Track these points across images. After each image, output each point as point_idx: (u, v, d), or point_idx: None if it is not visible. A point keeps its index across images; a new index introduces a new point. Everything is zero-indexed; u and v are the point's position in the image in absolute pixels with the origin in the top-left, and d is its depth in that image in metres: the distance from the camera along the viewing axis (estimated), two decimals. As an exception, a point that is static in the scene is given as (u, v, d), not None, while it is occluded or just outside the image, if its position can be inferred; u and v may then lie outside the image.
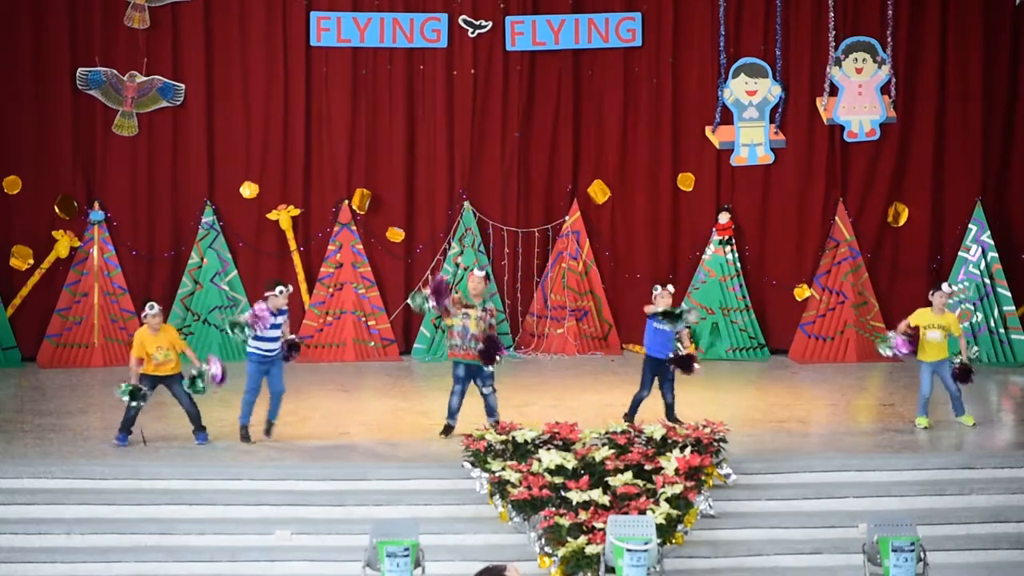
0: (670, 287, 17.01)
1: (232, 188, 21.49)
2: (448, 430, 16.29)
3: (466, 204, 21.71)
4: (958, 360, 16.78)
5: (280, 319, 16.19)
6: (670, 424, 15.73)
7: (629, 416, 16.57)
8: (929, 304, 16.88)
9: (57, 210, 21.13)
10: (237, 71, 21.43)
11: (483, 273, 16.69)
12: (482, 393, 16.33)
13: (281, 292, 16.20)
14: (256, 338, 16.10)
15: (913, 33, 21.66)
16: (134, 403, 15.88)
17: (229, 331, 16.38)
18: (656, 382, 16.63)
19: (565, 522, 13.87)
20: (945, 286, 17.16)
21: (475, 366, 16.20)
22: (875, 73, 21.68)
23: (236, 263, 21.51)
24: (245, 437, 16.29)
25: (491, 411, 16.31)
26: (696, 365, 16.57)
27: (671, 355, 16.50)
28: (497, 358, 16.15)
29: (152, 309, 16.18)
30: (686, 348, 16.65)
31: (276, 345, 16.20)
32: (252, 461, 15.55)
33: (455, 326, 16.20)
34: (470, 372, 16.24)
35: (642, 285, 21.80)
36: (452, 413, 16.38)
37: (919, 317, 16.88)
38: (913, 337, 16.82)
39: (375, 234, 21.73)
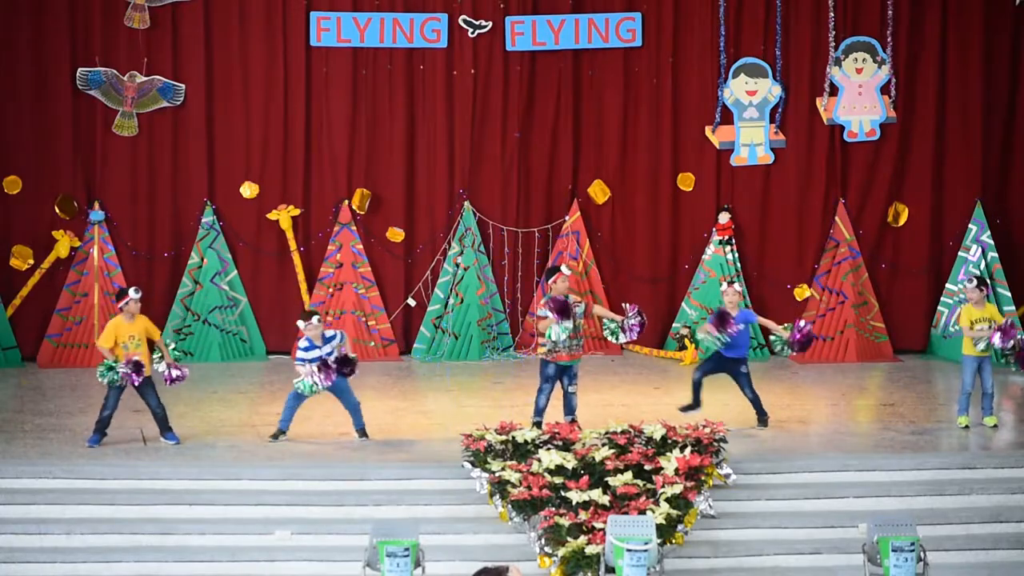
0: (736, 284, 17.18)
1: (232, 188, 21.48)
2: (538, 426, 16.07)
3: (466, 204, 21.71)
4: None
5: (326, 347, 16.09)
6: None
7: (695, 399, 16.87)
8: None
9: (57, 210, 21.12)
10: (237, 71, 21.42)
11: (570, 272, 16.80)
12: (567, 391, 16.36)
13: (310, 326, 16.13)
14: (300, 361, 16.14)
15: (913, 33, 21.67)
16: (115, 378, 15.80)
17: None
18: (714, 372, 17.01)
19: (565, 522, 13.88)
20: (968, 283, 17.28)
21: (565, 366, 16.23)
22: (875, 73, 21.69)
23: (236, 263, 21.51)
24: (275, 436, 16.30)
25: (571, 410, 16.36)
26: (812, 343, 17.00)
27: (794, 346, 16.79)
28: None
29: (137, 293, 16.15)
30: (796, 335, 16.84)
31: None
32: (252, 461, 15.56)
33: (550, 331, 16.16)
34: (560, 371, 16.27)
35: (642, 285, 21.84)
36: (540, 411, 16.30)
37: (965, 315, 16.92)
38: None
39: (375, 234, 21.72)
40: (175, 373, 16.23)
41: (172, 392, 18.71)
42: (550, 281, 16.45)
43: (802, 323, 16.97)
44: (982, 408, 17.08)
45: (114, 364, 15.88)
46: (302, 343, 16.23)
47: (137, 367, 15.84)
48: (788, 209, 21.89)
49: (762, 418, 17.03)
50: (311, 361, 16.02)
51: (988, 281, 17.43)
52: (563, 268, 16.64)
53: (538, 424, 16.14)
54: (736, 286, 17.20)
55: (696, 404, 16.93)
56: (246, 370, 20.66)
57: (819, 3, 21.58)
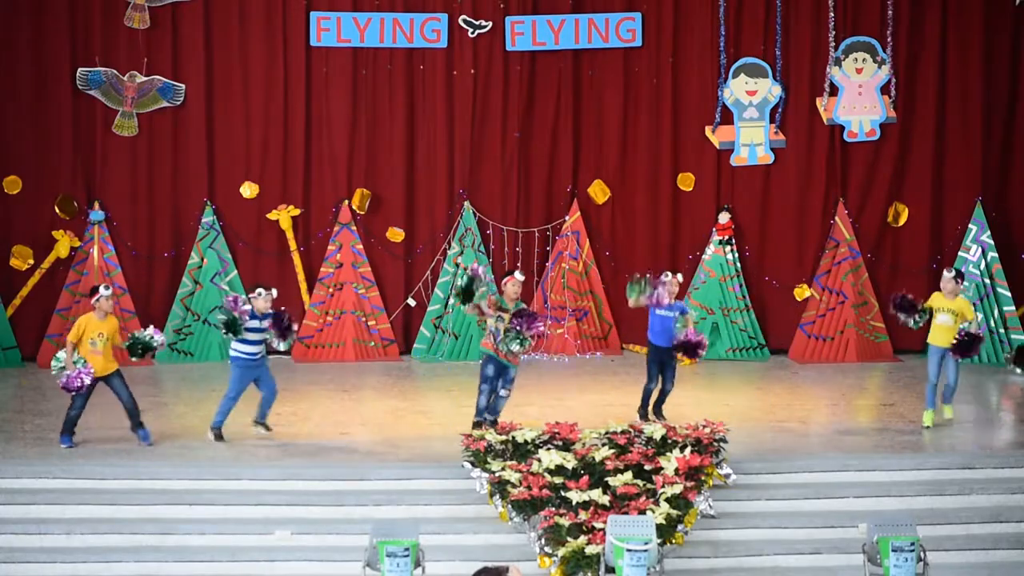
0: (679, 275, 17.11)
1: (232, 188, 21.49)
2: (478, 426, 16.14)
3: (466, 204, 21.71)
4: (962, 332, 16.69)
5: (265, 323, 16.10)
6: (664, 421, 15.94)
7: (642, 409, 16.78)
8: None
9: (57, 210, 21.12)
10: (237, 71, 21.43)
11: (523, 277, 16.73)
12: (498, 393, 16.35)
13: (260, 294, 16.13)
14: (241, 341, 16.04)
15: (913, 33, 21.67)
16: (63, 370, 15.72)
17: (222, 329, 16.15)
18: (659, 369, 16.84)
19: (565, 522, 13.87)
20: (946, 272, 17.16)
21: (503, 366, 16.23)
22: (875, 73, 21.68)
23: (236, 263, 21.51)
24: (219, 437, 16.25)
25: (495, 411, 16.36)
26: (700, 352, 16.66)
27: (675, 342, 16.57)
28: (528, 329, 16.11)
29: (107, 291, 16.09)
30: (688, 335, 16.70)
31: (260, 348, 16.13)
32: (252, 461, 15.55)
33: (488, 326, 16.22)
34: (498, 371, 16.27)
35: (642, 285, 21.85)
36: (480, 411, 16.33)
37: (932, 300, 16.92)
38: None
39: (375, 234, 21.73)
40: (76, 383, 15.77)
41: (172, 391, 18.79)
42: (503, 282, 16.57)
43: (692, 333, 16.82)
44: (941, 396, 16.99)
45: (64, 363, 15.79)
46: (245, 306, 16.06)
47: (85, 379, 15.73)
48: (788, 209, 21.88)
49: (658, 409, 16.87)
50: (249, 330, 15.97)
51: (964, 275, 17.35)
52: (516, 274, 16.63)
53: (478, 424, 16.18)
54: (679, 276, 17.11)
55: (646, 411, 16.89)
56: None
57: (819, 3, 21.58)
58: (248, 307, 16.05)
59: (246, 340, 16.09)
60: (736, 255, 21.70)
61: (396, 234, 21.75)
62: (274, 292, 16.37)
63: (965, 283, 17.31)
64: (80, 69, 21.03)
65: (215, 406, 17.95)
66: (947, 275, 16.98)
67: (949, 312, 16.71)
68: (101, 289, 16.16)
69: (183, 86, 21.27)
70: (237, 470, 15.23)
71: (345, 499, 14.77)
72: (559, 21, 21.62)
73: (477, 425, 16.14)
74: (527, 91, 21.81)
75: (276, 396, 16.40)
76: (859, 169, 21.80)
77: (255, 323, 16.08)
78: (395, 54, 21.59)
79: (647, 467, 14.53)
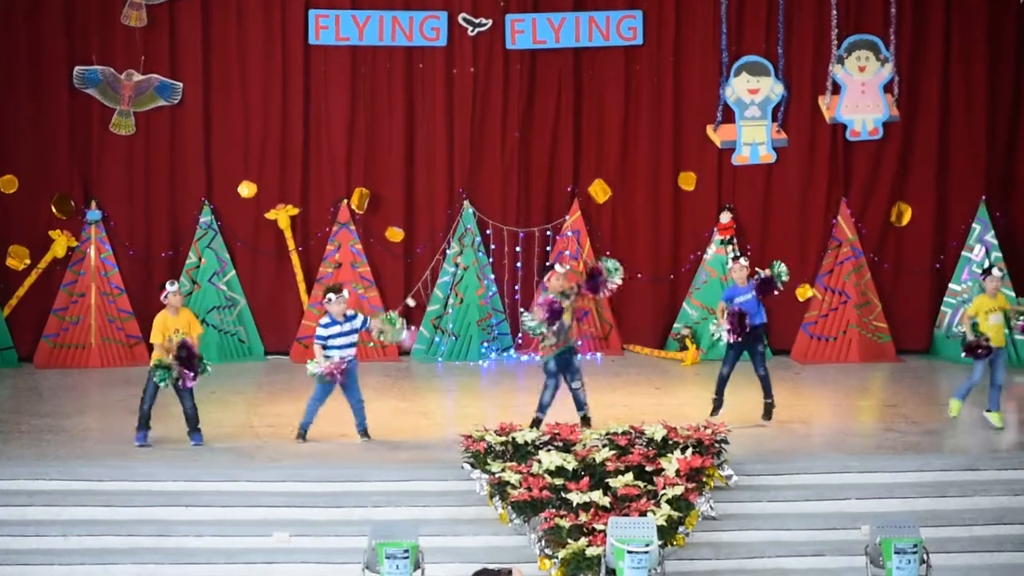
0: (742, 259, 17.39)
1: (230, 187, 21.40)
2: (537, 423, 16.14)
3: (466, 204, 21.62)
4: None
5: (347, 325, 16.08)
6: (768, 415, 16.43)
7: (717, 395, 16.92)
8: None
9: (54, 209, 21.04)
10: (235, 69, 21.34)
11: (565, 269, 16.74)
12: (570, 388, 16.45)
13: (331, 299, 16.12)
14: (329, 347, 16.04)
15: (917, 31, 21.57)
16: (171, 376, 15.83)
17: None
18: (740, 356, 17.02)
19: (565, 524, 13.83)
20: (996, 270, 17.37)
21: (566, 358, 16.30)
22: (878, 71, 21.60)
23: (234, 263, 21.43)
24: (301, 436, 16.26)
25: (580, 405, 16.45)
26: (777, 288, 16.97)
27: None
28: (604, 285, 16.30)
29: (172, 286, 16.12)
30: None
31: (350, 352, 16.10)
32: (250, 462, 15.50)
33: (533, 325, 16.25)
34: (560, 365, 16.32)
35: (642, 285, 21.76)
36: (543, 407, 16.37)
37: (978, 305, 16.89)
38: None
39: (374, 234, 21.64)
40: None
41: (169, 392, 18.67)
42: (544, 279, 16.58)
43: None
44: (989, 400, 16.97)
45: (169, 364, 15.84)
46: (323, 320, 16.21)
47: (188, 359, 15.80)
48: (790, 209, 21.80)
49: (768, 405, 17.05)
50: (328, 338, 15.99)
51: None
52: (556, 266, 16.63)
53: (539, 420, 16.18)
54: (743, 260, 17.33)
55: (720, 403, 16.99)
56: (244, 371, 20.59)
57: (822, 1, 21.49)
58: (333, 368, 16.02)
59: (334, 345, 16.06)
60: (738, 255, 21.59)
61: (395, 234, 21.67)
62: (346, 293, 16.34)
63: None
64: (77, 68, 20.94)
65: (212, 407, 17.94)
66: (996, 274, 17.17)
67: (1000, 311, 16.88)
68: (167, 286, 16.20)
69: (180, 84, 21.18)
70: (235, 471, 15.18)
71: (344, 500, 14.73)
72: (559, 19, 21.54)
73: (536, 423, 16.11)
74: (527, 90, 21.73)
75: (363, 405, 16.38)
76: (862, 168, 21.72)
77: (336, 328, 16.03)
78: (394, 52, 21.50)
79: (648, 468, 14.49)
